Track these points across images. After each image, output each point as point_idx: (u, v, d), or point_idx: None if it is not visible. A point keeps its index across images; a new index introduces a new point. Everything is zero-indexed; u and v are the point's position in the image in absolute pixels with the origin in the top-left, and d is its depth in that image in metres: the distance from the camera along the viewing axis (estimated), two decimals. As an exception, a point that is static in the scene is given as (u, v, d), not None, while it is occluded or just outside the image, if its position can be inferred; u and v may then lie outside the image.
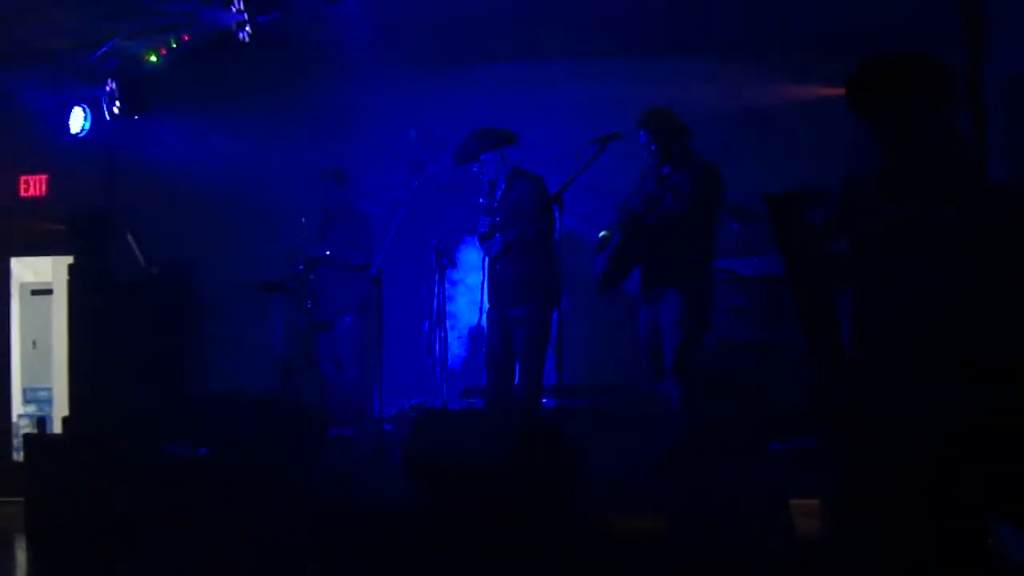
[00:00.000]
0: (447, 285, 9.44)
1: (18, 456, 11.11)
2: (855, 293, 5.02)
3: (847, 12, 8.54)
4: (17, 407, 12.21)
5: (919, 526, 4.15)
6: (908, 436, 4.31)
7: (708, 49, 9.15)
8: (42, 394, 12.33)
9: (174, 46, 10.23)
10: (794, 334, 7.64)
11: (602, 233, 7.92)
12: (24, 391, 12.38)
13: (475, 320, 9.09)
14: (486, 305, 8.80)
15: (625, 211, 7.73)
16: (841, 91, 6.78)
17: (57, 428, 10.81)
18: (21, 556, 8.97)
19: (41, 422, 11.04)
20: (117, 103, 10.61)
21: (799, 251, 5.34)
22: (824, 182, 6.12)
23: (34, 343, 12.46)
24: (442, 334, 9.39)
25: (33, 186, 12.12)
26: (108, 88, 10.62)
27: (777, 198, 5.49)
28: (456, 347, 9.58)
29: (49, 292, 12.25)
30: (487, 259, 8.75)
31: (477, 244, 8.91)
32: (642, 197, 7.73)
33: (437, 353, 9.37)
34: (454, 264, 9.47)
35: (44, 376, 12.31)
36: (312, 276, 9.88)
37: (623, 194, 7.98)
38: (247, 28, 9.49)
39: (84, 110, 11.07)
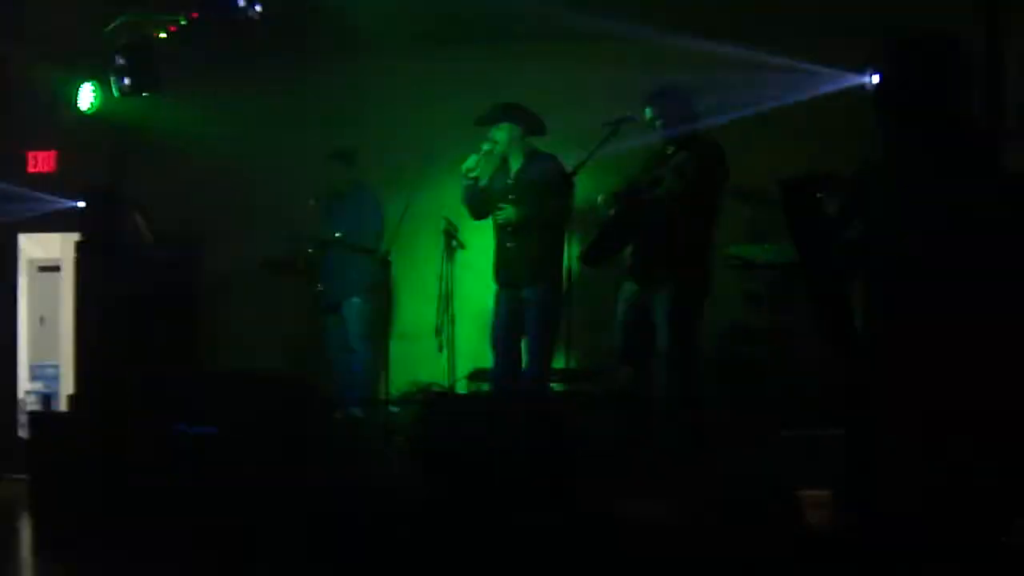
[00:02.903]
0: (455, 266, 9.38)
1: (24, 433, 11.08)
2: (869, 280, 4.96)
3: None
4: (24, 383, 12.20)
5: (935, 521, 4.09)
6: (925, 428, 4.25)
7: (725, 32, 9.01)
8: (49, 371, 12.32)
9: (183, 23, 10.18)
10: (806, 321, 7.63)
11: (600, 197, 7.80)
12: (31, 367, 12.37)
13: (483, 302, 9.03)
14: (494, 284, 8.79)
15: (623, 187, 7.63)
16: (851, 75, 6.70)
17: (63, 406, 10.80)
18: (25, 533, 8.95)
19: (47, 399, 11.02)
20: (126, 80, 10.52)
21: (813, 237, 5.28)
22: (837, 168, 6.06)
23: (42, 319, 12.44)
24: (450, 316, 9.34)
25: (41, 162, 12.08)
26: (117, 64, 10.54)
27: (791, 183, 5.43)
28: (464, 329, 9.50)
29: (57, 269, 12.23)
30: (500, 233, 8.72)
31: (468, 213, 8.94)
32: (644, 177, 7.64)
33: (445, 335, 9.31)
34: (463, 246, 9.42)
35: (51, 353, 12.29)
36: (322, 257, 9.83)
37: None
38: (257, 5, 9.44)
39: (93, 86, 11.00)
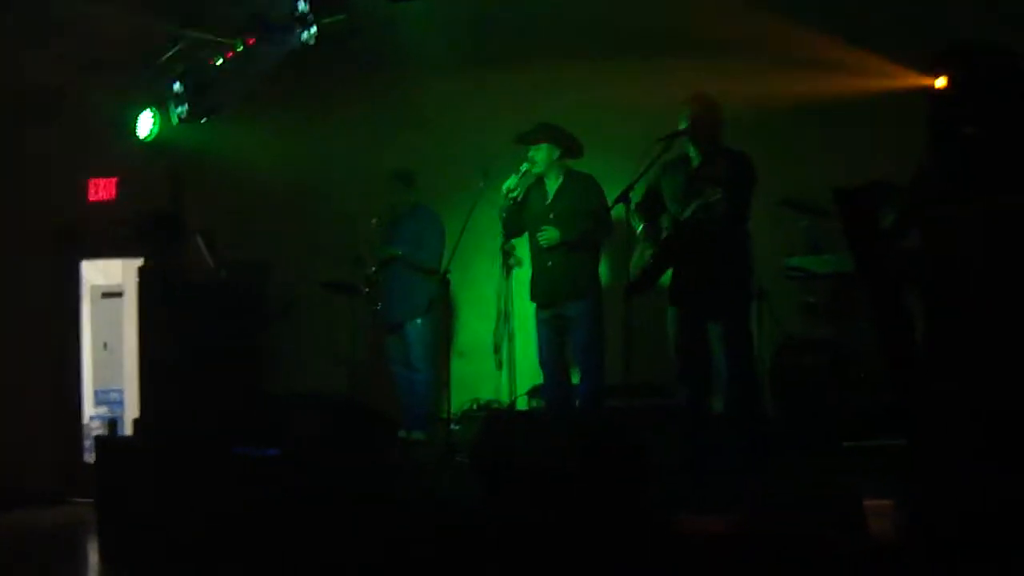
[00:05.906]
0: (513, 285, 9.40)
1: (89, 457, 11.19)
2: (927, 290, 4.95)
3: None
4: (89, 409, 12.32)
5: (998, 532, 4.06)
6: (984, 439, 4.23)
7: (771, 38, 8.94)
8: (113, 396, 12.43)
9: (240, 49, 10.25)
10: (865, 331, 7.59)
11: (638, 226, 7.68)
12: (96, 393, 12.48)
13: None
14: (533, 304, 8.83)
15: (663, 221, 7.55)
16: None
17: (128, 430, 10.90)
18: (93, 556, 9.05)
19: (112, 424, 11.13)
20: (185, 106, 10.61)
21: (869, 247, 5.27)
22: (894, 178, 6.04)
23: (105, 345, 12.55)
24: (508, 333, 9.36)
25: (103, 189, 12.20)
26: (175, 91, 10.64)
27: (847, 193, 5.43)
28: (522, 346, 9.51)
29: (119, 295, 12.35)
30: (539, 253, 8.74)
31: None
32: (677, 198, 7.50)
33: (503, 352, 9.34)
34: (520, 263, 9.44)
35: (115, 378, 12.39)
36: (382, 277, 9.90)
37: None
38: (312, 30, 9.51)
39: (152, 113, 11.10)
